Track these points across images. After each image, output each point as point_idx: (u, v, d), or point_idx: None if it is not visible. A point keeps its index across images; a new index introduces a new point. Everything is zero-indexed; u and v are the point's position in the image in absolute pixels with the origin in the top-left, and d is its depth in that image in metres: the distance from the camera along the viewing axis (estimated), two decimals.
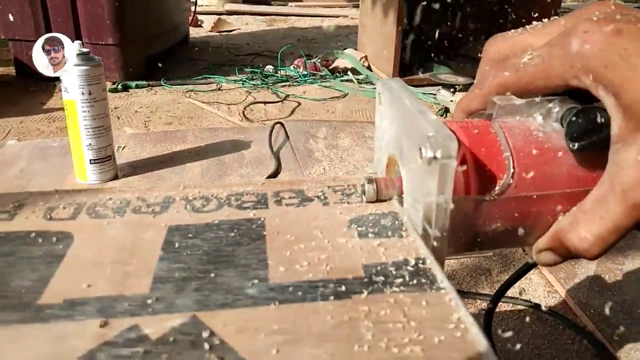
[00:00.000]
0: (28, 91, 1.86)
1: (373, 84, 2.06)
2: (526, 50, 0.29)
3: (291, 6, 4.32)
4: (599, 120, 0.26)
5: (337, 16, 4.00)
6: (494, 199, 0.28)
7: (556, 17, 0.30)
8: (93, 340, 0.21)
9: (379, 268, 0.26)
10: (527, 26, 0.31)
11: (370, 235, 0.29)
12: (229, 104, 1.76)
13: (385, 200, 0.32)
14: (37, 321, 0.22)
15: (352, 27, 3.30)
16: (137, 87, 1.93)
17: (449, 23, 2.34)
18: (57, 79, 1.81)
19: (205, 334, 0.21)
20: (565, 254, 0.28)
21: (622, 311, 0.66)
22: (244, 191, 0.34)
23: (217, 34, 3.15)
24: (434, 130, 0.25)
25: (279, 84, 2.02)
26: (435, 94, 1.82)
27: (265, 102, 1.79)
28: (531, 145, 0.28)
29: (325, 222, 0.30)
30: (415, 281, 0.25)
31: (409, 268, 0.26)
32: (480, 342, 0.21)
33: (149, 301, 0.23)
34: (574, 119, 0.27)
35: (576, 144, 0.27)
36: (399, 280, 0.25)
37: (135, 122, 1.58)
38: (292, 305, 0.23)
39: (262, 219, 0.30)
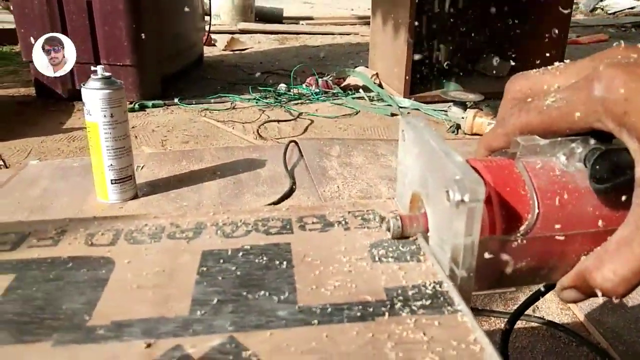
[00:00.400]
0: (48, 111, 1.91)
1: (384, 101, 2.08)
2: (548, 90, 0.30)
3: (302, 24, 4.39)
4: (622, 162, 0.26)
5: (348, 34, 4.05)
6: (519, 239, 0.28)
7: (578, 59, 0.31)
8: (140, 359, 0.23)
9: (399, 291, 0.28)
10: (548, 66, 0.32)
11: (390, 259, 0.31)
12: (243, 123, 1.80)
13: (409, 237, 0.33)
14: (89, 342, 0.24)
15: (363, 45, 3.34)
16: (153, 106, 1.98)
17: (460, 41, 2.37)
18: (76, 98, 1.85)
19: (243, 353, 0.23)
20: (589, 293, 0.28)
21: (636, 328, 0.67)
22: (270, 217, 0.36)
23: (231, 52, 3.21)
24: (461, 173, 0.26)
25: (292, 102, 2.05)
26: (446, 111, 1.84)
27: (278, 121, 1.82)
28: (555, 185, 0.29)
29: (347, 246, 0.32)
30: (434, 303, 0.26)
31: (428, 291, 0.27)
32: (494, 359, 0.22)
33: (190, 323, 0.25)
34: (597, 161, 0.28)
35: (600, 186, 0.28)
36: (419, 303, 0.26)
37: (153, 141, 1.62)
38: (321, 326, 0.25)
39: (289, 244, 0.32)
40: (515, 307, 0.70)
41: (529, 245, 0.29)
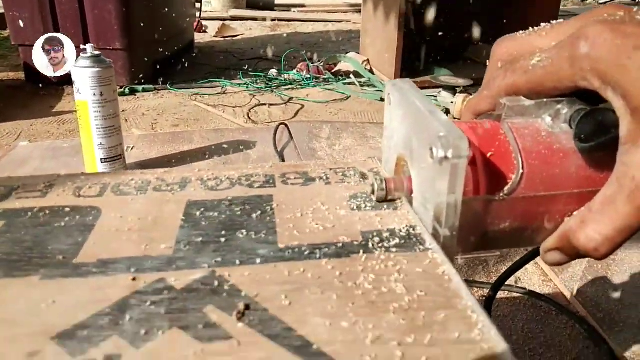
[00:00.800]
0: (38, 95, 1.90)
1: (375, 86, 2.09)
2: (534, 51, 0.29)
3: (294, 12, 4.38)
4: (607, 121, 0.26)
5: (340, 21, 4.04)
6: (503, 199, 0.28)
7: (561, 20, 0.31)
8: (125, 290, 0.24)
9: (375, 233, 0.29)
10: (535, 28, 0.31)
11: (367, 208, 0.32)
12: (234, 107, 1.80)
13: (394, 200, 0.32)
14: (76, 276, 0.25)
15: (354, 32, 3.34)
16: (144, 90, 1.98)
17: (450, 27, 2.38)
18: (66, 83, 1.85)
19: (224, 285, 0.24)
20: (573, 254, 0.28)
21: (614, 297, 0.69)
22: (254, 173, 0.37)
23: (222, 39, 3.20)
24: (445, 130, 0.26)
25: (283, 87, 2.06)
26: (436, 96, 1.85)
27: (269, 105, 1.83)
28: (540, 145, 0.29)
29: (327, 197, 0.33)
30: (406, 243, 0.28)
31: (402, 233, 0.29)
32: (462, 288, 0.24)
33: (173, 260, 0.26)
34: (582, 120, 0.28)
35: (585, 145, 0.27)
36: (393, 243, 0.28)
37: (143, 125, 1.62)
38: (299, 262, 0.26)
39: (271, 196, 0.33)
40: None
41: (512, 205, 0.28)
